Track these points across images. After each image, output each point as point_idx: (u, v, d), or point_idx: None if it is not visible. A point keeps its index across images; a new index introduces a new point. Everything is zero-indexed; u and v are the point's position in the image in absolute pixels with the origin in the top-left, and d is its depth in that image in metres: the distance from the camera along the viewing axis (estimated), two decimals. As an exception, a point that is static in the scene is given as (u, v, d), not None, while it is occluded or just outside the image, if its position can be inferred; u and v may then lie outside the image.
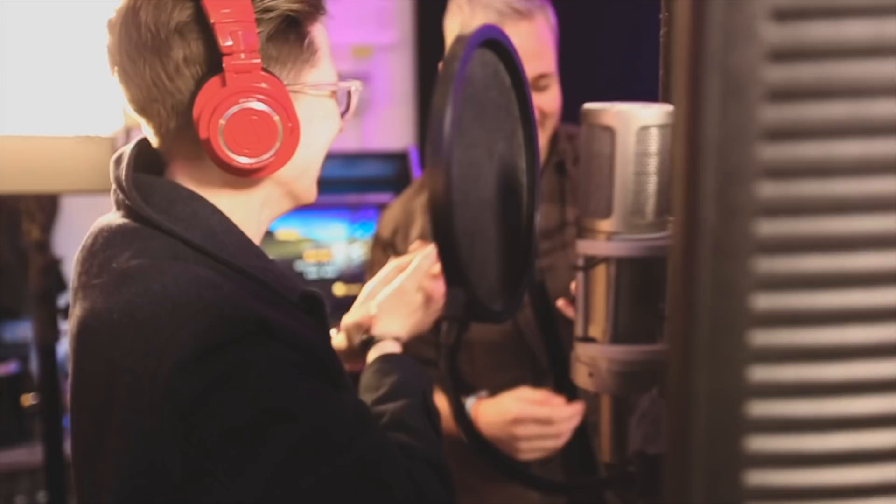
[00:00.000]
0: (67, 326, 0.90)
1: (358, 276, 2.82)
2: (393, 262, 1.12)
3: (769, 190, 0.35)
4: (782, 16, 0.34)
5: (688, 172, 0.36)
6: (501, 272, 0.66)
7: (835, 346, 0.36)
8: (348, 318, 1.10)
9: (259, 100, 0.80)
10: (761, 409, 0.36)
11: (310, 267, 2.78)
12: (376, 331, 1.04)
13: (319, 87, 0.88)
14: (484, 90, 0.64)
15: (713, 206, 0.35)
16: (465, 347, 1.35)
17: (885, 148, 0.35)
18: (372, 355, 1.02)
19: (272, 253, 2.76)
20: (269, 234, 2.80)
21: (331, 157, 3.10)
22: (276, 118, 0.81)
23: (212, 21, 0.78)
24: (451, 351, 0.56)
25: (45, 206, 1.81)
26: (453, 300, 0.56)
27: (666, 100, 0.72)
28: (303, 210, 3.16)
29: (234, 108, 0.80)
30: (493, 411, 1.28)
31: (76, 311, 0.84)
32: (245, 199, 0.88)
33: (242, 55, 0.79)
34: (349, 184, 2.93)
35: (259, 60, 0.80)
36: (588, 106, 0.59)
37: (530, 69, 1.31)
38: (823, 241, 0.36)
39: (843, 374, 0.36)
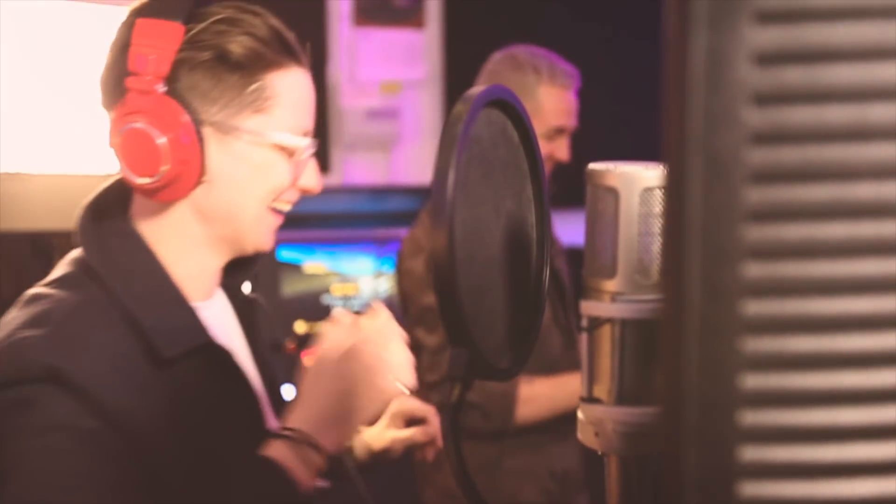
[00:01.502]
0: None
1: (385, 309, 2.83)
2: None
3: (755, 270, 0.35)
4: (763, 100, 0.35)
5: (673, 252, 0.36)
6: (509, 327, 0.67)
7: (825, 426, 0.36)
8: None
9: (148, 122, 0.82)
10: (753, 489, 0.36)
11: (336, 300, 2.80)
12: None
13: (256, 134, 0.87)
14: (492, 148, 0.65)
15: (699, 286, 0.36)
16: None
17: (869, 230, 0.35)
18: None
19: (300, 286, 2.80)
20: (296, 268, 2.83)
21: (358, 191, 3.13)
22: (162, 144, 0.81)
23: (131, 41, 0.83)
24: (454, 410, 0.57)
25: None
26: (456, 360, 0.57)
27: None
28: (330, 243, 3.16)
29: (125, 127, 0.83)
30: None
31: None
32: (179, 233, 0.89)
33: (147, 78, 0.82)
34: (376, 218, 2.95)
35: (158, 84, 0.82)
36: (592, 166, 0.60)
37: (573, 122, 1.75)
38: (810, 321, 0.36)
39: (834, 456, 0.36)
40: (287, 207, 0.94)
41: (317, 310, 2.78)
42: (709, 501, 0.37)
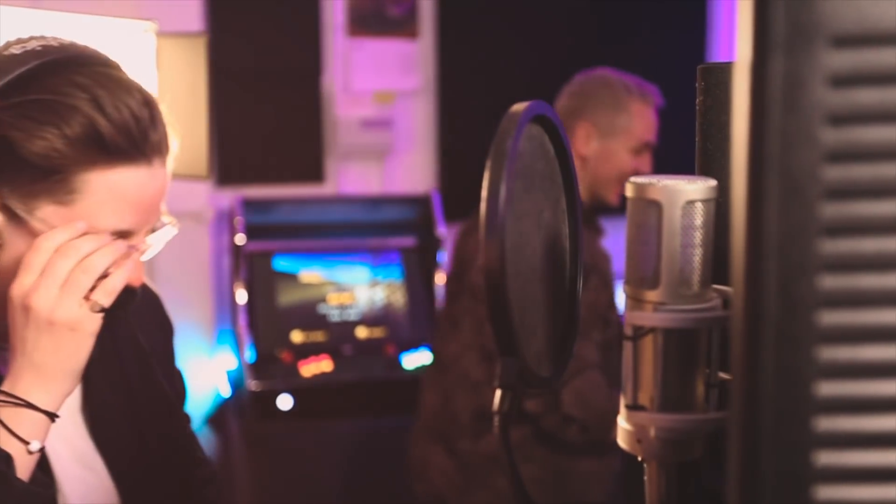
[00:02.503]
0: None
1: (380, 318, 2.84)
2: None
3: (829, 282, 0.37)
4: (837, 120, 0.36)
5: (750, 267, 0.38)
6: (548, 338, 0.68)
7: (896, 432, 0.38)
8: None
9: None
10: (827, 493, 0.38)
11: (333, 310, 2.81)
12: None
13: (49, 226, 0.82)
14: (532, 162, 0.66)
15: (775, 298, 0.37)
16: None
17: (941, 245, 0.36)
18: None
19: (296, 296, 2.80)
20: (293, 278, 2.84)
21: (353, 201, 3.14)
22: None
23: None
24: (506, 419, 0.58)
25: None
26: (508, 369, 0.58)
27: (703, 168, 0.74)
28: (325, 253, 3.16)
29: None
30: None
31: None
32: None
33: None
34: (371, 227, 2.96)
35: None
36: (634, 179, 0.62)
37: (656, 138, 1.90)
38: (882, 331, 0.37)
39: (904, 460, 0.38)
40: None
41: (313, 319, 2.79)
42: (784, 505, 0.38)
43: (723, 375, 0.64)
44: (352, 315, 2.84)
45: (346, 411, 2.61)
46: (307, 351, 2.69)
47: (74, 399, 0.96)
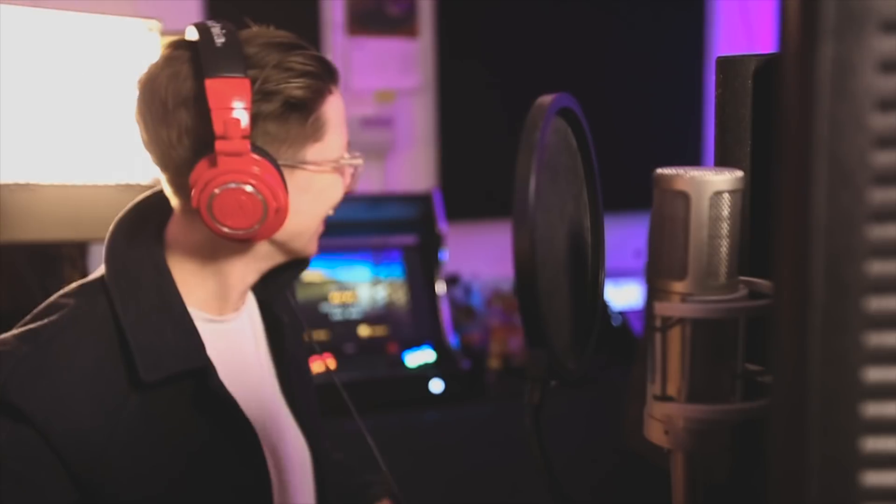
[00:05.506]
0: None
1: (382, 317, 2.84)
2: None
3: (877, 268, 0.37)
4: (887, 105, 0.36)
5: (797, 252, 0.38)
6: (573, 330, 0.68)
7: (943, 417, 0.38)
8: None
9: (246, 182, 0.85)
10: (874, 479, 0.38)
11: (335, 308, 2.80)
12: None
13: (319, 163, 0.92)
14: (556, 155, 0.66)
15: (823, 283, 0.37)
16: None
17: None
18: None
19: (298, 294, 2.79)
20: (294, 277, 2.83)
21: (354, 200, 3.13)
22: (262, 199, 0.86)
23: (209, 104, 0.83)
24: (536, 411, 0.58)
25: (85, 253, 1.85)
26: (537, 361, 0.58)
27: (721, 160, 0.74)
28: (327, 252, 3.16)
29: (221, 188, 0.85)
30: None
31: None
32: (232, 249, 0.94)
33: (233, 139, 0.84)
34: (373, 226, 2.96)
35: (248, 144, 0.85)
36: (661, 171, 0.62)
37: None
38: (930, 316, 0.37)
39: (951, 445, 0.38)
40: (332, 213, 0.99)
41: (316, 318, 2.78)
42: (830, 491, 0.38)
43: (749, 367, 0.64)
44: (354, 314, 2.84)
45: (349, 410, 2.60)
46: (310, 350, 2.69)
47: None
